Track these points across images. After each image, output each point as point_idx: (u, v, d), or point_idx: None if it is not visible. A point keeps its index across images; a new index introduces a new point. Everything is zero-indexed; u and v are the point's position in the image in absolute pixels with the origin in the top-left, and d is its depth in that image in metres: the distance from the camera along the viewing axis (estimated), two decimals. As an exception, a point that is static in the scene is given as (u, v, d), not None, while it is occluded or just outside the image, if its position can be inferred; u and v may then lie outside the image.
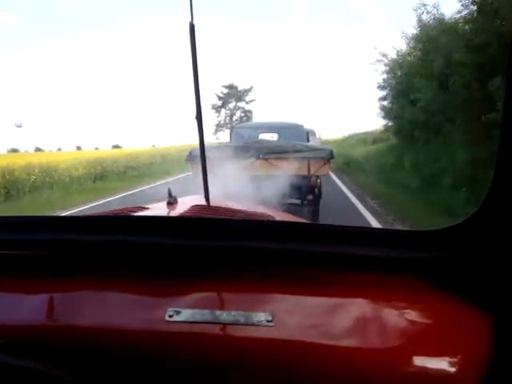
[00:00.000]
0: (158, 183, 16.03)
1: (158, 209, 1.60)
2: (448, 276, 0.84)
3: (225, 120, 58.86)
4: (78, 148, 35.75)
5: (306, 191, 6.97)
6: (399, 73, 16.59)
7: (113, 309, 0.87)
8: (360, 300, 0.86)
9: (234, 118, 58.96)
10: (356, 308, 0.85)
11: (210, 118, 54.17)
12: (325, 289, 0.85)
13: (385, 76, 18.46)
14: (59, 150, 34.33)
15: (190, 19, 1.01)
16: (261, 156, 6.53)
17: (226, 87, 57.67)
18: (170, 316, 0.81)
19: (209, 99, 56.84)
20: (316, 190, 7.02)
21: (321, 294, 0.85)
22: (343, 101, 69.36)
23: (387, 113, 18.92)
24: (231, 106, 58.71)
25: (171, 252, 0.90)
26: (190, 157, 6.49)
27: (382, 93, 19.21)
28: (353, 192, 11.40)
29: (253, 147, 6.68)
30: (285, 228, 0.97)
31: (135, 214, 1.39)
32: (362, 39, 60.25)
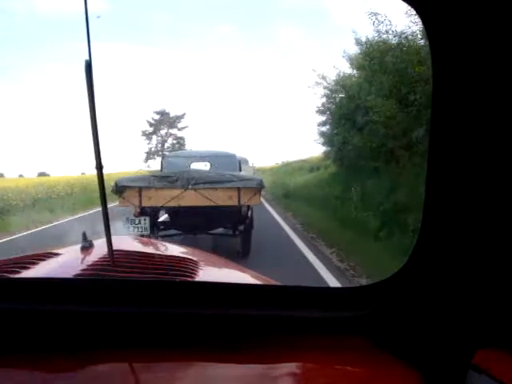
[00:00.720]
0: (67, 220, 13.58)
1: (69, 255, 1.41)
2: (380, 334, 0.83)
3: (156, 147, 56.78)
4: (1, 175, 32.84)
5: (237, 221, 6.87)
6: (341, 95, 15.34)
7: None
8: (290, 364, 0.82)
9: (166, 145, 57.14)
10: (286, 373, 0.82)
11: (141, 146, 51.95)
12: (250, 355, 0.81)
13: (324, 100, 17.22)
14: None
15: (87, 57, 0.87)
16: (189, 186, 6.38)
17: (157, 113, 55.62)
18: None
19: (139, 126, 54.72)
20: (247, 221, 6.89)
21: (246, 361, 0.81)
22: (276, 128, 69.37)
23: (327, 139, 17.57)
24: (163, 132, 56.82)
25: (62, 321, 0.82)
26: (117, 188, 6.37)
27: (322, 118, 17.96)
28: (300, 236, 9.04)
29: (182, 177, 6.47)
30: (200, 288, 0.91)
31: (43, 262, 1.26)
32: (294, 65, 61.24)
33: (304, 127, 59.42)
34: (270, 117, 68.02)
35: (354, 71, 14.37)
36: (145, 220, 6.39)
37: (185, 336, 0.83)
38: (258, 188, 6.61)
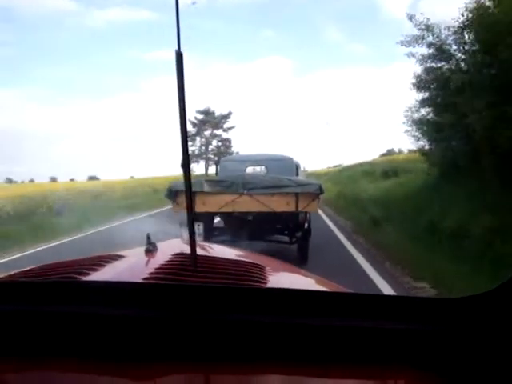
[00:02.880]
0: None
1: (134, 260, 1.35)
2: (458, 351, 0.75)
3: (200, 149, 52.21)
4: (53, 179, 34.91)
5: (295, 228, 6.62)
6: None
7: None
8: (363, 381, 0.79)
9: (210, 147, 52.45)
10: None
11: (170, 143, 47.48)
12: (330, 368, 0.76)
13: (421, 69, 10.97)
14: (31, 181, 33.35)
15: (176, 47, 0.90)
16: (245, 192, 6.17)
17: (201, 113, 51.00)
18: None
19: (167, 118, 50.44)
20: (305, 227, 6.59)
21: (326, 374, 0.76)
22: (329, 127, 63.27)
23: (433, 129, 11.18)
24: (207, 133, 52.22)
25: (143, 327, 0.77)
26: (170, 192, 6.21)
27: (420, 95, 11.61)
28: None
29: (237, 181, 6.29)
30: (284, 296, 0.83)
31: (108, 265, 1.22)
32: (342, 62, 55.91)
33: (363, 125, 53.32)
34: (322, 115, 62.20)
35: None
36: (199, 226, 6.00)
37: (263, 347, 0.76)
38: (317, 193, 6.24)
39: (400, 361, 0.75)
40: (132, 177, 34.88)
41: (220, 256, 1.50)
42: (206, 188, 6.22)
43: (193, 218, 0.97)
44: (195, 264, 1.05)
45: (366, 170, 26.19)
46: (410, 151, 21.97)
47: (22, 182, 33.34)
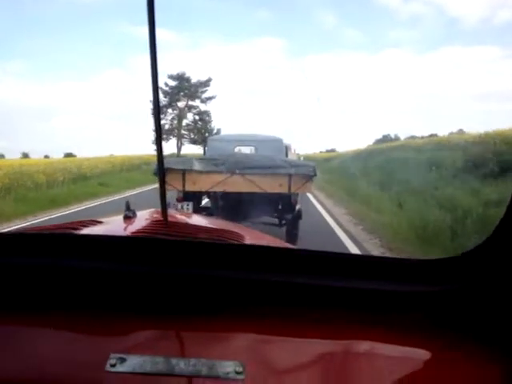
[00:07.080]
0: None
1: (113, 223, 1.41)
2: (455, 312, 0.75)
3: (171, 124, 41.83)
4: (25, 155, 34.85)
5: (285, 210, 6.47)
6: None
7: (39, 353, 0.69)
8: (352, 344, 0.74)
9: (185, 121, 42.17)
10: (348, 353, 0.74)
11: (151, 121, 38.76)
12: (310, 330, 0.73)
13: None
14: (1, 156, 32.36)
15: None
16: (237, 171, 5.97)
17: (173, 78, 40.56)
18: (112, 365, 0.65)
19: (150, 95, 40.27)
20: (296, 210, 6.40)
21: (304, 335, 0.73)
22: (319, 111, 56.16)
23: None
24: (181, 104, 41.68)
25: (117, 280, 0.76)
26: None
27: None
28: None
29: (228, 161, 6.10)
30: (259, 253, 0.83)
31: (86, 228, 1.21)
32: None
33: (357, 110, 45.51)
34: (313, 93, 54.20)
35: None
36: (188, 205, 6.09)
37: (235, 302, 0.76)
38: (311, 175, 6.02)
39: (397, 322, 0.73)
40: (112, 155, 31.73)
41: (196, 223, 1.54)
42: (197, 166, 6.00)
43: (163, 178, 1.00)
44: (166, 223, 1.09)
45: (413, 159, 16.15)
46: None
47: (-4, 157, 32.99)
